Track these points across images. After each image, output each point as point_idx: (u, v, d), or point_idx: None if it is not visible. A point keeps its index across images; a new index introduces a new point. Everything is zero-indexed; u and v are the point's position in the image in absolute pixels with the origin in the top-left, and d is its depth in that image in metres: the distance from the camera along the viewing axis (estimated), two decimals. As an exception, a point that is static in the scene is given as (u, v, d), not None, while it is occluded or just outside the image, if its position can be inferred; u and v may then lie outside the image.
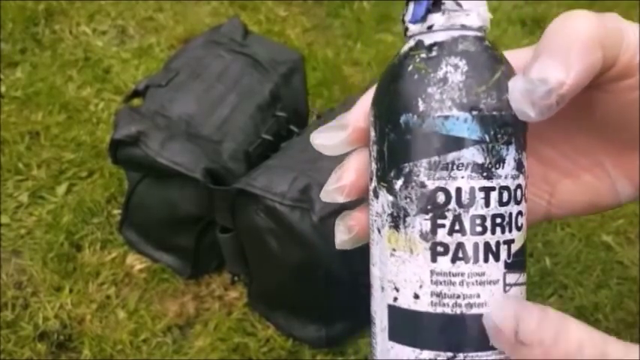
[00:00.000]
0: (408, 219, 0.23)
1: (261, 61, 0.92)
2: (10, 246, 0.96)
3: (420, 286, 0.23)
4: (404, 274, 0.23)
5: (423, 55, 0.23)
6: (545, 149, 0.27)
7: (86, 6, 1.38)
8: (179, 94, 0.88)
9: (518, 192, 0.23)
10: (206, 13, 1.38)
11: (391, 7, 1.40)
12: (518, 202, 0.23)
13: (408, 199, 0.23)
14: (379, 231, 0.25)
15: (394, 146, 0.24)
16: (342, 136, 0.26)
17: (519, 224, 0.23)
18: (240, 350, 0.85)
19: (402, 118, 0.23)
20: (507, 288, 0.23)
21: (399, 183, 0.23)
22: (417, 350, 0.23)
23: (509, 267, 0.23)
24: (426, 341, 0.23)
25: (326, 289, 0.79)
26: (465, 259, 0.23)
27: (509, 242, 0.23)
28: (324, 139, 0.26)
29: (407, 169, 0.23)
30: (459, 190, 0.23)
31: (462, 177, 0.22)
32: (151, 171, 0.84)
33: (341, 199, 0.26)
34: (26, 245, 0.96)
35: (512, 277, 0.23)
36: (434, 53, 0.23)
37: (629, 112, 0.23)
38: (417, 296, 0.23)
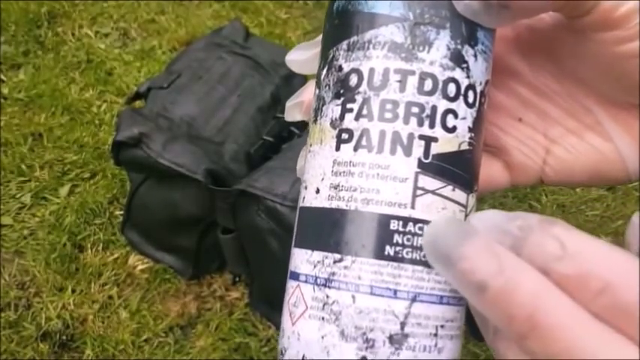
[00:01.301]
0: (324, 108, 0.21)
1: (262, 63, 0.92)
2: (13, 247, 0.96)
3: (322, 179, 0.21)
4: (312, 169, 0.21)
5: None
6: (543, 103, 0.24)
7: (89, 8, 1.38)
8: (181, 96, 0.88)
9: (452, 86, 0.20)
10: (208, 15, 1.39)
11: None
12: (451, 99, 0.20)
13: (327, 87, 0.21)
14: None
15: (325, 36, 0.22)
16: (312, 52, 0.24)
17: (450, 125, 0.20)
18: (242, 350, 0.85)
19: (335, 5, 0.22)
20: (419, 192, 0.20)
21: (323, 72, 0.22)
22: (309, 252, 0.21)
23: (426, 168, 0.20)
24: (318, 241, 0.21)
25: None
26: (368, 147, 0.20)
27: (427, 139, 0.20)
28: (296, 55, 0.25)
29: (330, 55, 0.22)
30: (372, 70, 0.20)
31: (377, 57, 0.20)
32: (153, 172, 0.85)
33: (299, 117, 0.25)
34: (29, 246, 0.96)
35: (430, 183, 0.20)
36: None
37: (619, 66, 0.21)
38: (317, 191, 0.21)
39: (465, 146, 0.21)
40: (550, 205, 1.03)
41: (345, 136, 0.20)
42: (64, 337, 0.86)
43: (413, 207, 0.20)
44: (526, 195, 1.05)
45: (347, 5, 0.21)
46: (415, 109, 0.20)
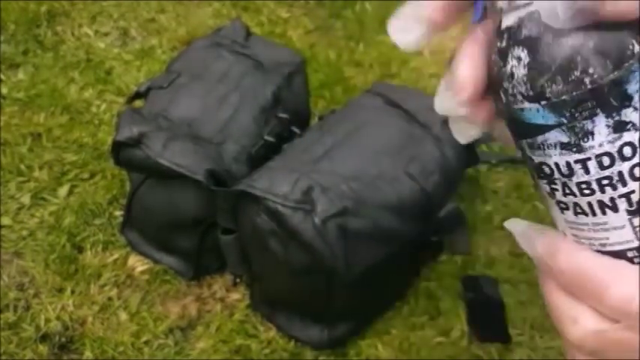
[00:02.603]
0: (536, 180, 0.26)
1: (263, 62, 0.92)
2: (12, 247, 0.96)
3: (564, 231, 0.27)
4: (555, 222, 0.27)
5: (498, 45, 0.25)
6: None
7: (88, 8, 1.38)
8: (181, 95, 0.88)
9: (627, 149, 0.24)
10: (208, 14, 1.39)
11: (393, 8, 1.39)
12: (630, 157, 0.24)
13: (529, 167, 0.26)
14: None
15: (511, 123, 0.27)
16: (416, 35, 0.26)
17: (636, 175, 0.24)
18: (242, 352, 0.85)
19: (498, 106, 0.26)
20: (637, 229, 0.25)
21: (519, 153, 0.27)
22: None
23: (634, 213, 0.24)
24: None
25: (328, 290, 0.79)
26: (584, 213, 0.25)
27: (626, 195, 0.24)
28: (401, 36, 0.27)
29: (518, 145, 0.26)
30: (556, 164, 0.25)
31: (555, 154, 0.25)
32: (153, 172, 0.84)
33: (462, 111, 0.26)
34: (28, 247, 0.96)
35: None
36: (503, 44, 0.25)
37: None
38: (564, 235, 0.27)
39: None
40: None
41: (562, 205, 0.26)
42: (64, 339, 0.86)
43: (639, 239, 0.25)
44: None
45: (509, 112, 0.25)
46: (605, 181, 0.24)
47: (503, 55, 0.25)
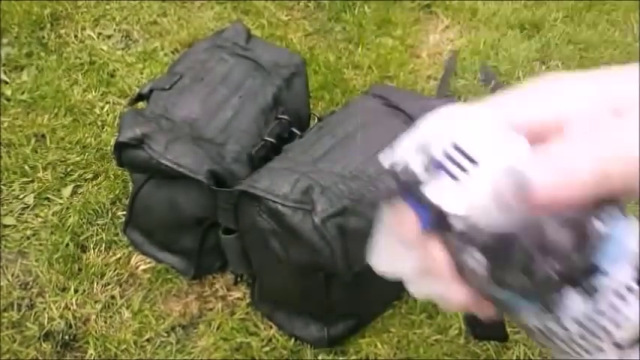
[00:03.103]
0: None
1: (263, 64, 0.93)
2: (16, 247, 0.97)
3: None
4: None
5: (456, 244, 0.27)
6: None
7: (91, 10, 1.39)
8: (183, 97, 0.89)
9: (605, 308, 0.25)
10: (209, 17, 1.40)
11: (392, 11, 1.41)
12: (604, 315, 0.26)
13: None
14: None
15: None
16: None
17: (619, 323, 0.25)
18: (243, 350, 0.85)
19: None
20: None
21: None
22: None
23: (623, 349, 0.26)
24: None
25: (327, 289, 0.80)
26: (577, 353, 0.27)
27: (613, 342, 0.26)
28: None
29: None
30: (536, 327, 0.27)
31: (534, 320, 0.27)
32: (155, 173, 0.85)
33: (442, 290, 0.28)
34: (32, 246, 0.97)
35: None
36: (459, 244, 0.26)
37: None
38: None
39: None
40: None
41: None
42: (67, 337, 0.86)
43: None
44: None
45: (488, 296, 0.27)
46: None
47: (459, 254, 0.25)
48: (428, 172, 0.25)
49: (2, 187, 1.04)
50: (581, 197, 0.24)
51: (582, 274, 0.25)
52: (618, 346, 0.26)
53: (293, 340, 0.86)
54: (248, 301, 0.90)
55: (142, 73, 1.25)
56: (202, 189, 0.80)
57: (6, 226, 0.99)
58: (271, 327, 0.87)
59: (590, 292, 0.25)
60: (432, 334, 0.87)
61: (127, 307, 0.90)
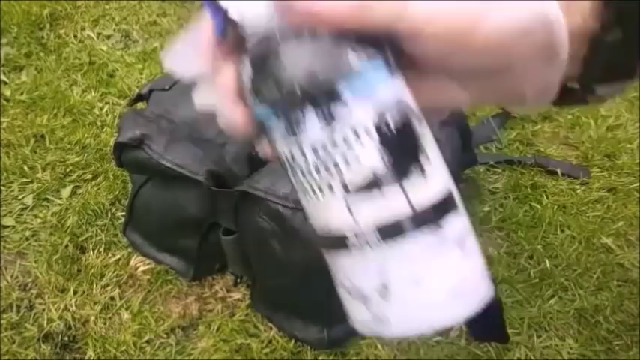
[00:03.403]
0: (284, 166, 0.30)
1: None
2: (16, 248, 0.97)
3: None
4: None
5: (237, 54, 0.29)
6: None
7: (90, 10, 1.39)
8: (182, 97, 0.89)
9: (339, 141, 0.26)
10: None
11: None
12: (337, 148, 0.26)
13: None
14: None
15: None
16: None
17: (349, 162, 0.26)
18: (243, 351, 0.85)
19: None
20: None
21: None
22: None
23: (350, 193, 0.26)
24: None
25: (328, 290, 0.79)
26: (309, 195, 0.28)
27: (342, 181, 0.26)
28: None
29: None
30: (285, 155, 0.28)
31: (281, 145, 0.28)
32: (155, 174, 0.85)
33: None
34: (31, 247, 0.97)
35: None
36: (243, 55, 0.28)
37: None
38: None
39: None
40: (551, 207, 1.03)
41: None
42: (66, 338, 0.86)
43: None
44: (527, 196, 1.05)
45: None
46: (322, 168, 0.27)
47: (240, 67, 0.27)
48: None
49: (1, 187, 1.04)
50: (340, 20, 0.25)
51: (324, 96, 0.25)
52: (346, 188, 0.26)
53: (293, 341, 0.86)
54: (248, 302, 0.90)
55: (141, 74, 1.25)
56: (202, 190, 0.80)
57: (5, 227, 0.99)
58: (271, 328, 0.87)
59: (327, 118, 0.25)
60: (432, 335, 0.87)
61: (127, 309, 0.89)
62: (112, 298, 0.91)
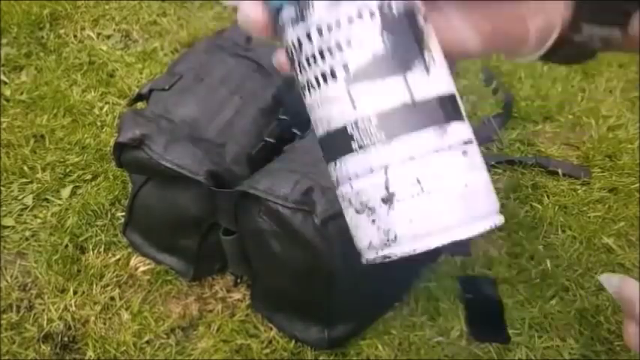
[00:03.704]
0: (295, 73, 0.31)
1: (264, 65, 0.93)
2: (15, 248, 0.97)
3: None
4: None
5: None
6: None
7: (90, 10, 1.39)
8: (183, 97, 0.89)
9: (343, 19, 0.26)
10: (209, 17, 1.39)
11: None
12: (341, 27, 0.26)
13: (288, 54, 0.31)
14: None
15: None
16: None
17: (352, 42, 0.26)
18: (243, 352, 0.85)
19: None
20: (354, 99, 0.26)
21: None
22: None
23: (350, 81, 0.26)
24: None
25: (328, 290, 0.80)
26: (313, 87, 0.28)
27: (344, 64, 0.26)
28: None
29: (283, 42, 0.30)
30: (292, 40, 0.28)
31: (290, 33, 0.27)
32: (155, 174, 0.85)
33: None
34: (31, 247, 0.97)
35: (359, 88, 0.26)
36: None
37: None
38: None
39: None
40: (552, 207, 1.03)
41: (302, 87, 0.30)
42: (66, 339, 0.86)
43: (355, 109, 0.28)
44: (528, 196, 1.05)
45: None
46: (326, 51, 0.27)
47: None
48: None
49: (1, 187, 1.04)
50: None
51: None
52: (348, 73, 0.26)
53: (293, 342, 0.85)
54: (248, 302, 0.90)
55: (141, 74, 1.25)
56: (202, 190, 0.80)
57: (5, 227, 0.99)
58: (271, 329, 0.87)
59: None
60: (433, 335, 0.87)
61: (127, 309, 0.89)
62: (112, 299, 0.90)
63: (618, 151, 1.12)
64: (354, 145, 0.26)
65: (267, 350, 0.85)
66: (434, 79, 0.26)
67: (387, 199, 0.25)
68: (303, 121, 0.96)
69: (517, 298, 0.91)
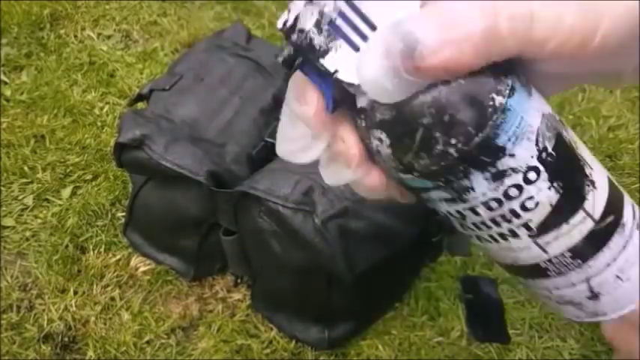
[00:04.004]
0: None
1: (264, 65, 0.93)
2: (16, 248, 0.97)
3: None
4: None
5: (359, 124, 0.25)
6: None
7: (91, 11, 1.39)
8: (183, 97, 0.89)
9: (512, 191, 0.24)
10: (210, 17, 1.39)
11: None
12: (515, 198, 0.25)
13: None
14: None
15: None
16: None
17: (528, 207, 0.25)
18: (243, 352, 0.85)
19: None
20: (542, 245, 0.26)
21: None
22: None
23: (535, 235, 0.26)
24: None
25: (328, 290, 0.80)
26: (489, 241, 0.27)
27: (524, 224, 0.25)
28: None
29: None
30: (449, 212, 0.26)
31: (444, 206, 0.26)
32: (155, 174, 0.85)
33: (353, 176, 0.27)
34: (31, 248, 0.97)
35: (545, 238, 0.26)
36: (362, 124, 0.25)
37: None
38: None
39: None
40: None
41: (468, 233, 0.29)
42: (66, 339, 0.86)
43: (546, 252, 0.28)
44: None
45: (397, 178, 0.27)
46: (499, 219, 0.26)
47: (366, 135, 0.25)
48: (322, 33, 0.23)
49: (1, 188, 1.04)
50: (472, 56, 0.22)
51: (486, 155, 0.23)
52: (531, 231, 0.25)
53: (293, 342, 0.85)
54: (248, 302, 0.90)
55: (141, 74, 1.25)
56: (202, 190, 0.80)
57: (5, 227, 0.99)
58: (272, 329, 0.87)
59: (496, 176, 0.24)
60: (433, 336, 0.87)
61: (127, 309, 0.89)
62: (112, 299, 0.90)
63: (618, 151, 1.12)
64: (551, 274, 0.27)
65: (268, 350, 0.85)
66: (599, 188, 0.26)
67: (593, 297, 0.28)
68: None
69: (517, 298, 0.91)
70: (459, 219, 0.26)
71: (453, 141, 0.23)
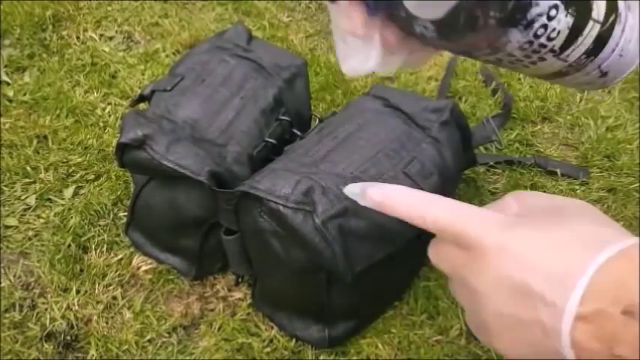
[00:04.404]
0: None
1: (265, 65, 0.93)
2: (18, 248, 0.97)
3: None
4: None
5: None
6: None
7: (93, 12, 1.40)
8: (184, 98, 0.89)
9: (539, 30, 0.32)
10: (211, 19, 1.40)
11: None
12: (539, 36, 0.32)
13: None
14: None
15: None
16: None
17: (551, 36, 0.33)
18: (244, 350, 0.86)
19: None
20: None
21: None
22: None
23: (559, 54, 0.35)
24: None
25: (328, 290, 0.80)
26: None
27: (550, 50, 0.34)
28: None
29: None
30: (486, 60, 0.37)
31: (483, 57, 0.36)
32: (157, 174, 0.85)
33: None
34: (34, 247, 0.97)
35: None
36: (404, 14, 0.35)
37: None
38: None
39: None
40: (551, 207, 1.03)
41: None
42: (69, 338, 0.87)
43: None
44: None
45: None
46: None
47: (408, 23, 0.32)
48: None
49: (4, 188, 1.05)
50: None
51: (518, 12, 0.30)
52: (554, 52, 0.33)
53: (294, 340, 0.86)
54: (249, 301, 0.90)
55: (143, 75, 1.26)
56: (203, 190, 0.81)
57: (8, 227, 1.00)
58: (272, 328, 0.88)
59: (525, 24, 0.30)
60: (433, 334, 0.88)
61: (129, 308, 0.90)
62: (114, 298, 0.91)
63: (617, 151, 1.13)
64: (570, 73, 0.35)
65: (268, 349, 0.86)
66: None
67: (603, 75, 0.36)
68: (303, 121, 0.97)
69: (516, 298, 0.91)
70: (495, 63, 0.33)
71: (492, 13, 0.29)
